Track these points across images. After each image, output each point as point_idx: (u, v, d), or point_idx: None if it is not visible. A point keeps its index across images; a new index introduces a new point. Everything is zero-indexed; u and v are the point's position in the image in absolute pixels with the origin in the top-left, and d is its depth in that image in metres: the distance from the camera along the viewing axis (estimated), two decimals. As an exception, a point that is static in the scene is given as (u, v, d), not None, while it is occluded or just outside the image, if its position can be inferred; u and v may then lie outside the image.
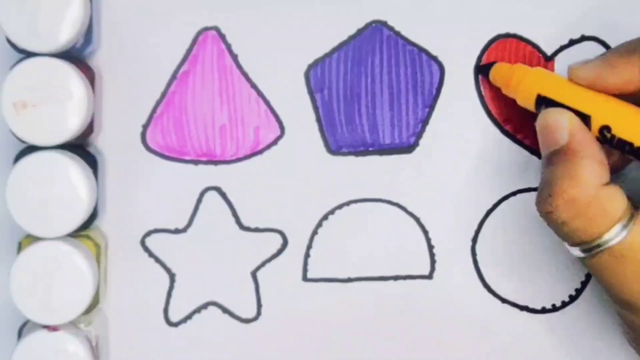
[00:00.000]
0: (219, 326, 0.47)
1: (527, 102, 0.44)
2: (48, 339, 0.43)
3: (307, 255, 0.48)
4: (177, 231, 0.47)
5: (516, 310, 0.48)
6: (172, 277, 0.47)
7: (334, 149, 0.47)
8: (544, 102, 0.43)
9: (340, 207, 0.48)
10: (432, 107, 0.47)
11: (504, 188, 0.48)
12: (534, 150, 0.48)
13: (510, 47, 0.47)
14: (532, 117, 0.47)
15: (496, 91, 0.47)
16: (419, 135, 0.47)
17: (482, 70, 0.47)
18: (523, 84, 0.44)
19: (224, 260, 0.47)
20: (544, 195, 0.41)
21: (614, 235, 0.40)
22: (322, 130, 0.47)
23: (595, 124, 0.41)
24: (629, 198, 0.41)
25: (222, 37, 0.47)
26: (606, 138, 0.41)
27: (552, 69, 0.47)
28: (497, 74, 0.46)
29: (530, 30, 0.47)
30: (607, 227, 0.40)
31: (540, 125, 0.42)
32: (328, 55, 0.47)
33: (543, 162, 0.42)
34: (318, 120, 0.47)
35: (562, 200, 0.40)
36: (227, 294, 0.47)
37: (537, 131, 0.43)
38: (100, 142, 0.47)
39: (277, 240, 0.47)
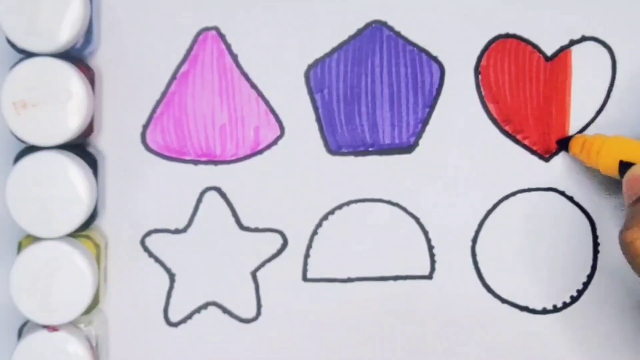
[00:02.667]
0: (219, 326, 0.47)
1: (610, 169, 0.45)
2: (48, 339, 0.43)
3: (307, 255, 0.48)
4: (177, 231, 0.47)
5: (516, 311, 0.48)
6: (172, 277, 0.47)
7: (334, 149, 0.47)
8: (627, 167, 0.44)
9: (340, 207, 0.48)
10: (432, 107, 0.47)
11: (504, 188, 0.48)
12: (534, 150, 0.48)
13: (510, 47, 0.47)
14: (532, 117, 0.48)
15: (496, 91, 0.47)
16: (419, 135, 0.47)
17: (560, 144, 0.47)
18: (602, 155, 0.45)
19: (224, 260, 0.47)
20: (628, 226, 0.42)
21: None
22: (322, 130, 0.47)
23: None
24: None
25: (222, 37, 0.47)
26: None
27: (554, 69, 0.47)
28: (576, 146, 0.46)
29: (530, 30, 0.47)
30: None
31: (627, 179, 0.44)
32: (328, 55, 0.47)
33: (628, 206, 0.43)
34: (318, 120, 0.47)
35: None
36: (227, 294, 0.47)
37: (624, 186, 0.44)
38: (100, 142, 0.47)
39: (277, 240, 0.47)
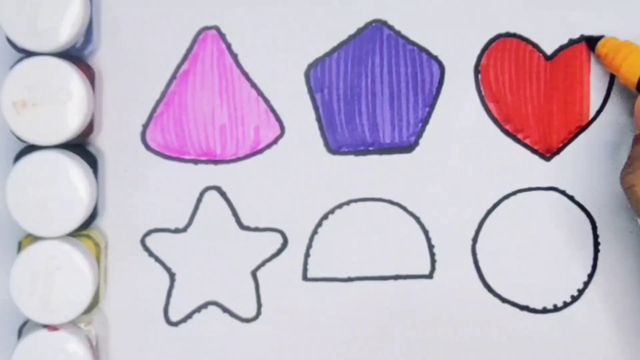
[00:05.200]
0: (219, 326, 0.47)
1: (628, 81, 0.44)
2: (48, 339, 0.43)
3: (307, 255, 0.48)
4: (177, 231, 0.47)
5: (516, 310, 0.48)
6: (172, 276, 0.47)
7: (334, 148, 0.47)
8: None
9: (340, 206, 0.47)
10: (432, 107, 0.47)
11: (504, 188, 0.48)
12: (534, 150, 0.48)
13: (510, 47, 0.47)
14: (533, 116, 0.48)
15: (496, 90, 0.47)
16: (419, 135, 0.47)
17: (588, 42, 0.47)
18: (627, 62, 0.44)
19: (224, 260, 0.47)
20: (629, 170, 0.41)
21: None
22: (322, 130, 0.47)
23: None
24: None
25: (222, 36, 0.47)
26: None
27: (554, 69, 0.47)
28: (604, 47, 0.46)
29: (530, 30, 0.47)
30: None
31: (638, 105, 0.43)
32: (328, 55, 0.47)
33: (633, 141, 0.43)
34: (318, 119, 0.47)
35: None
36: (227, 294, 0.47)
37: (635, 110, 0.43)
38: (100, 142, 0.47)
39: (277, 240, 0.47)
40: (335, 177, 0.47)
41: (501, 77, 0.47)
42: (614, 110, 0.47)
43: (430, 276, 0.48)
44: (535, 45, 0.47)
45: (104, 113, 0.46)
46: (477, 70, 0.47)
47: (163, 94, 0.47)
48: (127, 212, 0.47)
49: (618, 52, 0.45)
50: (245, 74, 0.47)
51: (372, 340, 0.48)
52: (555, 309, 0.48)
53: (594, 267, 0.48)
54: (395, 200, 0.48)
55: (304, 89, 0.47)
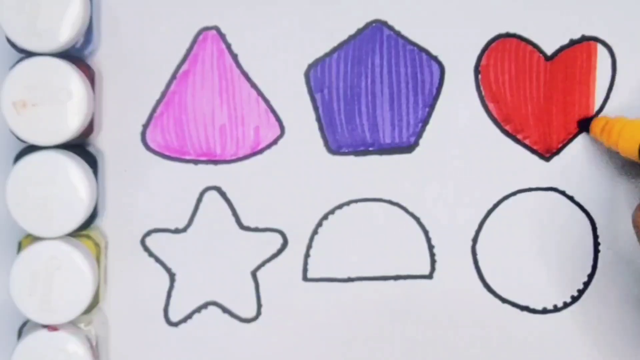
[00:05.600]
0: (219, 326, 0.47)
1: (629, 152, 0.44)
2: (48, 339, 0.43)
3: (307, 255, 0.48)
4: (177, 231, 0.47)
5: (516, 310, 0.48)
6: (172, 277, 0.47)
7: (334, 148, 0.47)
8: None
9: (340, 207, 0.47)
10: (432, 107, 0.47)
11: (504, 188, 0.48)
12: (534, 150, 0.48)
13: (510, 47, 0.47)
14: (532, 117, 0.48)
15: (496, 91, 0.47)
16: (419, 135, 0.47)
17: (581, 125, 0.47)
18: (622, 137, 0.45)
19: (224, 260, 0.47)
20: None
21: None
22: (322, 130, 0.47)
23: None
24: None
25: (222, 36, 0.47)
26: None
27: (554, 69, 0.47)
28: (597, 127, 0.46)
29: (530, 30, 0.47)
30: None
31: None
32: (328, 55, 0.47)
33: None
34: (318, 120, 0.47)
35: None
36: (227, 294, 0.47)
37: None
38: (100, 142, 0.47)
39: (277, 240, 0.47)
40: (335, 177, 0.47)
41: (501, 78, 0.47)
42: (614, 111, 0.47)
43: (430, 276, 0.48)
44: (535, 45, 0.47)
45: (104, 113, 0.46)
46: (477, 71, 0.47)
47: (163, 94, 0.47)
48: (127, 212, 0.47)
49: (612, 129, 0.45)
50: (245, 74, 0.47)
51: (372, 340, 0.48)
52: (555, 309, 0.48)
53: (594, 267, 0.48)
54: (395, 200, 0.48)
55: (304, 89, 0.47)
